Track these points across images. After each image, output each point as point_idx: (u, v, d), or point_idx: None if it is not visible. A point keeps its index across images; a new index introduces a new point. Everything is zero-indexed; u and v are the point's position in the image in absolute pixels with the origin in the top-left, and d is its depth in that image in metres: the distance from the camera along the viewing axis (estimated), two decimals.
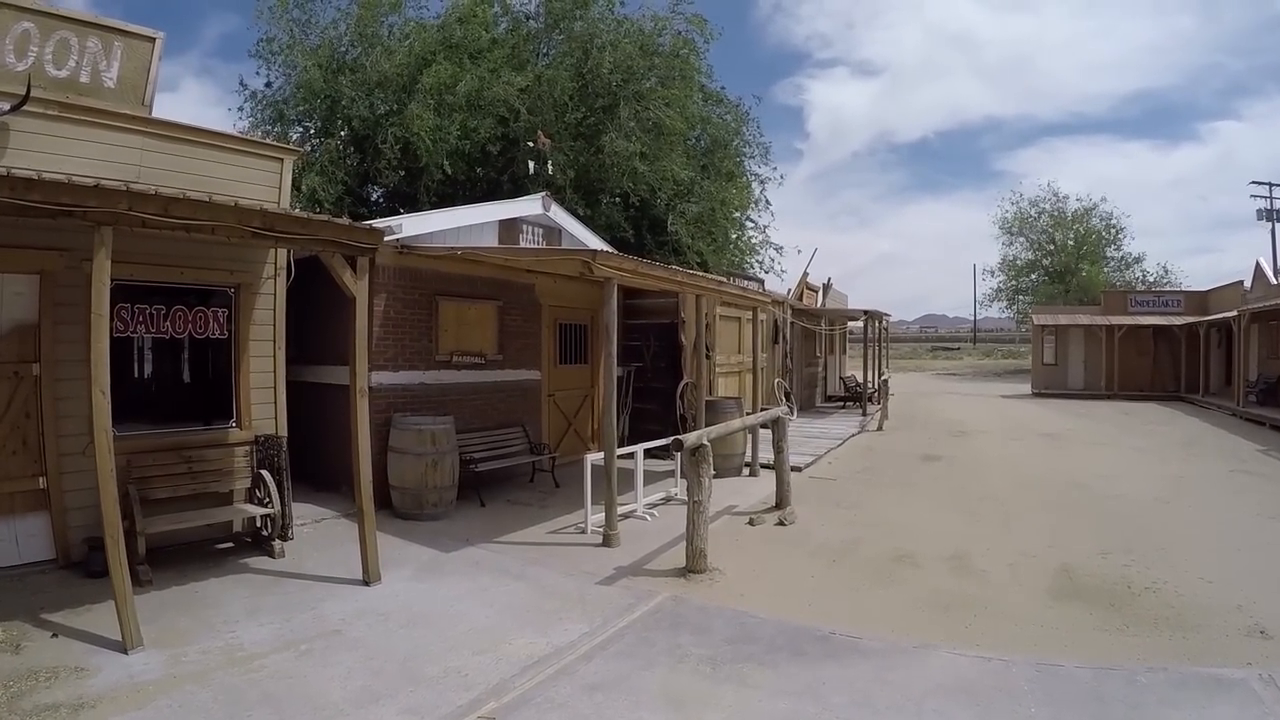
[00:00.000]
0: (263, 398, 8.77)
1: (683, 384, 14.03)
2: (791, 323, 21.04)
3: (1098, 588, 7.01)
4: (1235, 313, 25.32)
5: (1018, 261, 55.61)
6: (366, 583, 6.90)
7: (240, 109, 23.58)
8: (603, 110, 21.98)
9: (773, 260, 28.71)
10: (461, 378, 11.45)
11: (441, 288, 11.03)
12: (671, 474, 11.60)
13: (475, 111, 20.41)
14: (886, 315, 26.36)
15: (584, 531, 8.78)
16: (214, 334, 8.53)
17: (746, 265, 27.02)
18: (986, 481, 12.38)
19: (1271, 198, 43.82)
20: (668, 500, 10.64)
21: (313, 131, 23.63)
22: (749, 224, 27.52)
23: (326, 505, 9.80)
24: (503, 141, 21.52)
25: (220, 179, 8.09)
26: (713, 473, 7.64)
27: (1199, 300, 33.70)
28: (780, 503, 9.96)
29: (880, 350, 24.91)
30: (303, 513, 9.22)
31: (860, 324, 28.05)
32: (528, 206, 13.30)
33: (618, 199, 21.91)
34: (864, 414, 21.55)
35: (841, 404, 24.29)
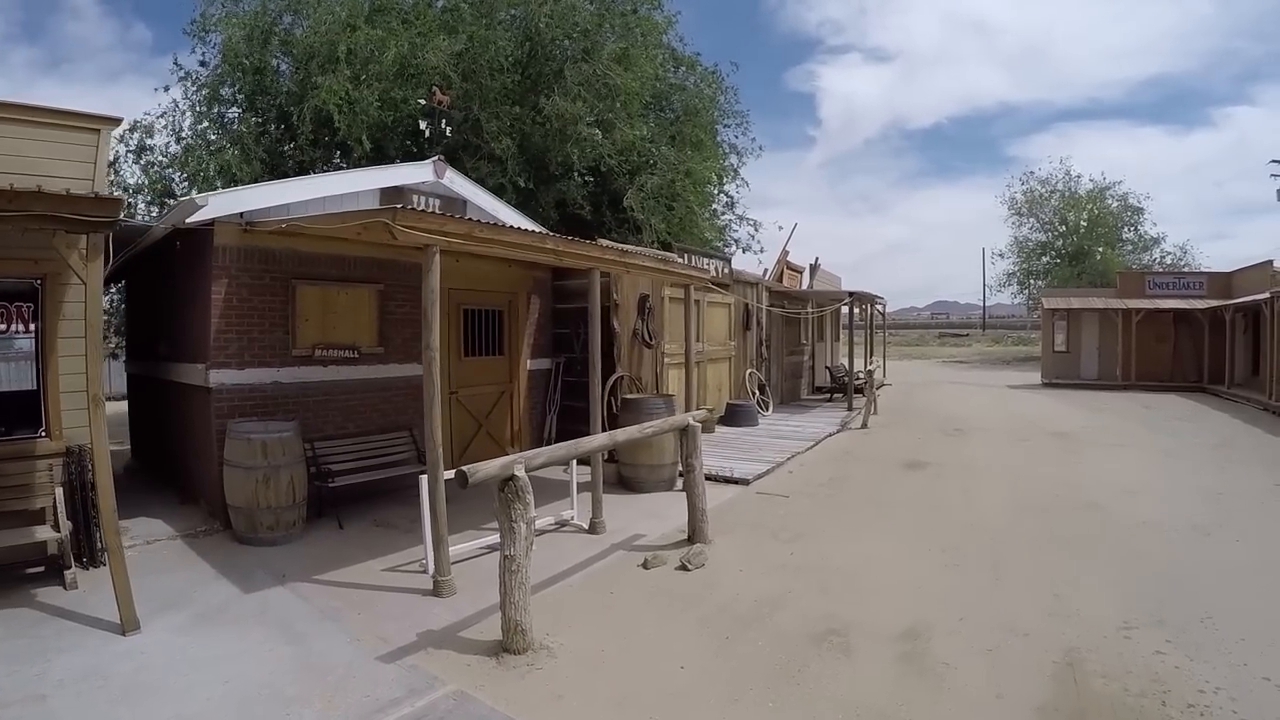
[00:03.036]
0: (76, 403, 7.27)
1: (614, 378, 11.78)
2: (769, 307, 18.71)
3: (1118, 701, 4.57)
4: (1267, 295, 22.85)
5: (1029, 243, 52.86)
6: (123, 631, 5.65)
7: (166, 88, 21.66)
8: (548, 73, 19.79)
9: (750, 236, 26.82)
10: (328, 375, 9.62)
11: (301, 270, 9.24)
12: (585, 486, 9.50)
13: (405, 81, 18.30)
14: (878, 298, 24.03)
15: (425, 570, 6.83)
16: (17, 332, 7.35)
17: (720, 243, 24.95)
18: (978, 501, 9.86)
19: None
20: (559, 526, 8.46)
21: (242, 107, 21.70)
22: (722, 197, 25.53)
23: (178, 521, 8.67)
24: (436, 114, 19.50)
25: (26, 157, 7.00)
26: (533, 515, 5.29)
27: (1223, 282, 30.91)
28: (692, 536, 7.60)
29: (871, 337, 22.61)
30: (146, 530, 8.30)
31: (859, 309, 25.92)
32: (416, 173, 11.36)
33: (575, 174, 19.77)
34: (849, 408, 19.09)
35: (828, 396, 21.82)
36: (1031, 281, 51.41)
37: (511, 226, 8.20)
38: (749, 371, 17.29)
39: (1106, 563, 7.22)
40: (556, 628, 5.55)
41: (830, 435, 15.24)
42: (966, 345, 71.55)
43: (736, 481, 10.59)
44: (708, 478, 10.46)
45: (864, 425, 16.78)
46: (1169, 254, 49.28)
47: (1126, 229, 50.58)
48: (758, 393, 17.55)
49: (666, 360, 13.40)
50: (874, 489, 10.56)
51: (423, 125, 15.91)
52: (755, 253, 29.08)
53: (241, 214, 8.60)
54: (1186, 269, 41.52)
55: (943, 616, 5.79)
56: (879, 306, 25.84)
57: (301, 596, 6.44)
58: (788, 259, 23.49)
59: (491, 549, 7.21)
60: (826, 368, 23.06)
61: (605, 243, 9.81)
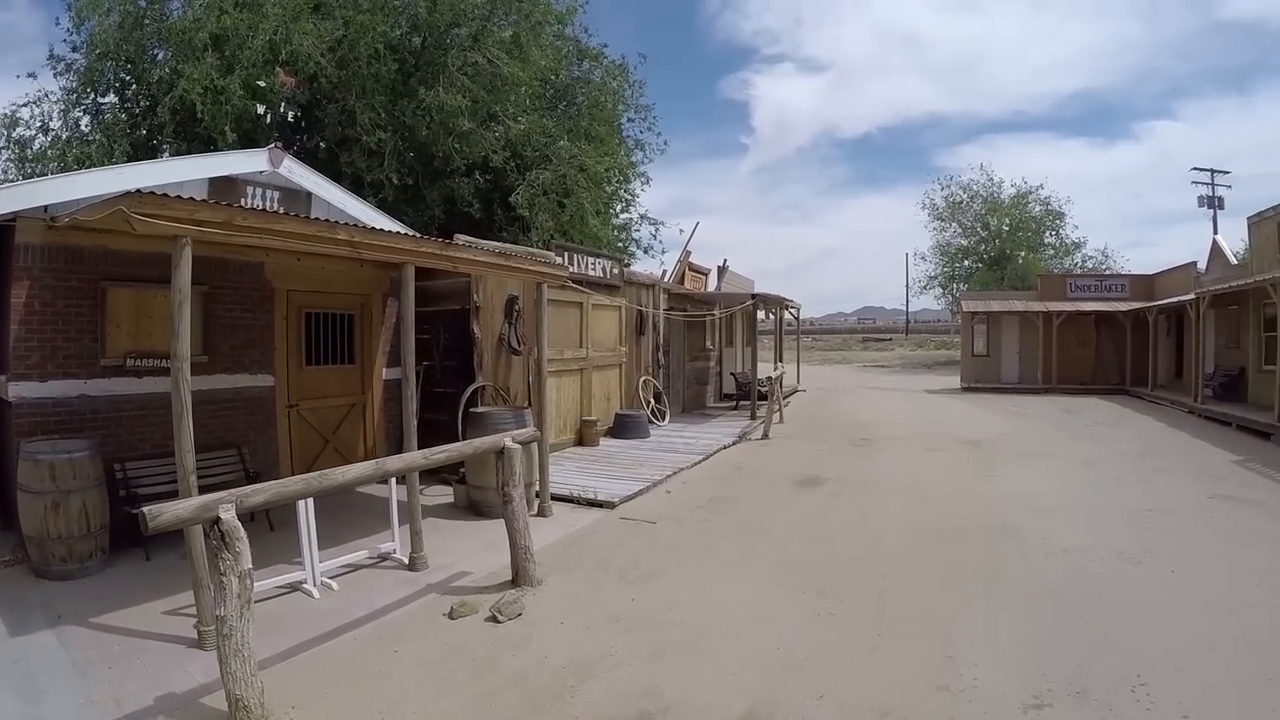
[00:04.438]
0: None
1: (473, 388, 10.60)
2: (667, 311, 17.65)
3: None
4: (1191, 296, 22.66)
5: (950, 248, 53.05)
6: None
7: (32, 75, 20.30)
8: (434, 62, 18.59)
9: (653, 237, 25.97)
10: (143, 387, 8.39)
11: (114, 270, 8.06)
12: (443, 507, 8.95)
13: (274, 69, 17.01)
14: (790, 302, 23.15)
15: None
16: None
17: (620, 243, 24.00)
18: (873, 526, 8.77)
19: (1214, 184, 43.70)
20: (378, 561, 7.22)
21: (111, 98, 20.25)
22: (624, 195, 24.57)
23: None
24: (308, 103, 18.25)
25: None
26: (247, 567, 4.16)
27: (1145, 285, 30.92)
28: (516, 578, 6.44)
29: (780, 342, 21.71)
30: None
31: (770, 313, 25.04)
32: (250, 162, 10.05)
33: (462, 170, 18.61)
34: (753, 417, 18.02)
35: (734, 405, 20.78)
36: (954, 285, 51.44)
37: (294, 215, 6.91)
38: (643, 379, 16.18)
39: (1017, 606, 6.15)
40: (310, 699, 4.52)
41: (725, 448, 14.15)
42: (889, 350, 71.99)
43: (601, 504, 9.40)
44: (567, 500, 9.46)
45: (765, 436, 15.79)
46: (1090, 258, 49.81)
47: (1048, 233, 50.94)
48: (653, 402, 16.44)
49: (542, 368, 12.30)
50: (757, 512, 9.43)
51: (260, 110, 14.57)
52: (657, 254, 28.24)
53: (46, 208, 7.44)
54: (1108, 272, 41.57)
55: (796, 694, 4.60)
56: (791, 310, 24.98)
57: (65, 643, 5.43)
58: (690, 260, 22.43)
59: (289, 588, 6.39)
60: (732, 374, 22.04)
61: (479, 241, 8.58)
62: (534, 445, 8.63)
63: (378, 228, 6.82)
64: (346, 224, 6.45)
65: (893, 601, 6.24)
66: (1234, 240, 27.61)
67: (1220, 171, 44.00)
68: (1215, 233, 37.58)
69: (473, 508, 9.08)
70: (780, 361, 20.60)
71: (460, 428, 9.80)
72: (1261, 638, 5.46)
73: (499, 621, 5.61)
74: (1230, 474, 12.22)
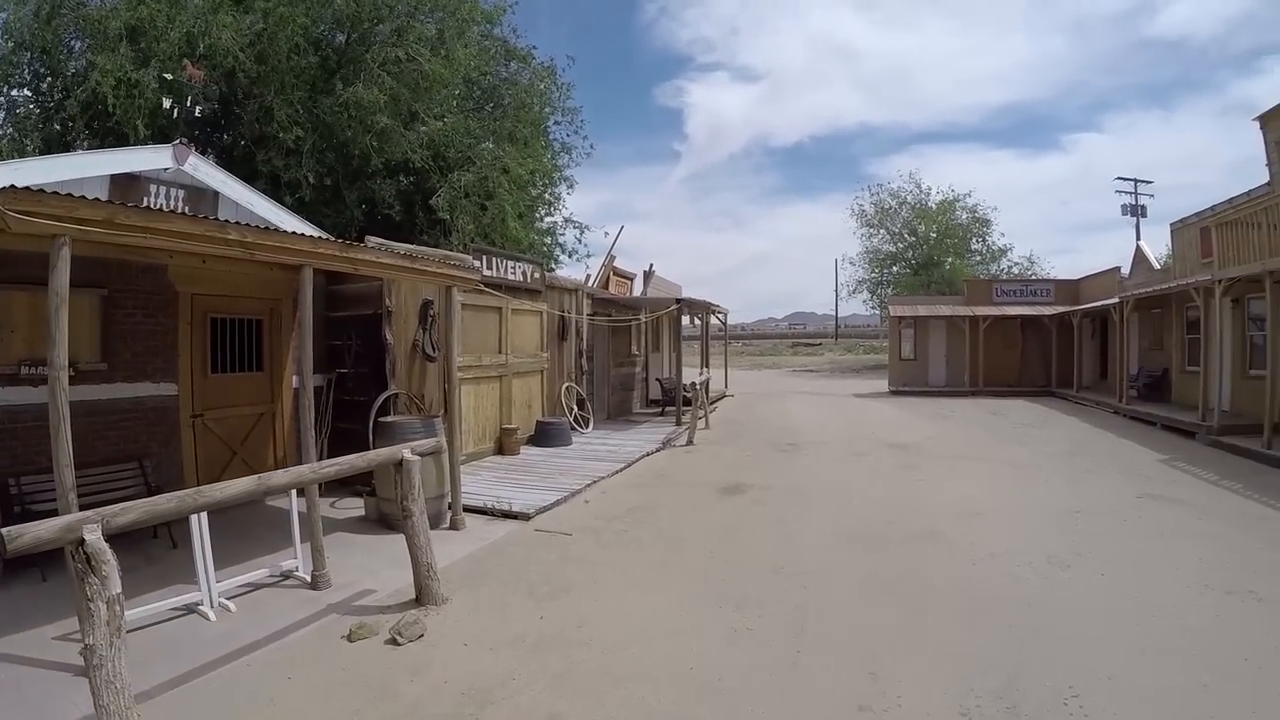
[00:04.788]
0: None
1: (384, 396, 10.29)
2: (591, 316, 17.43)
3: None
4: (1116, 300, 23.40)
5: (879, 253, 53.81)
6: None
7: None
8: (356, 57, 18.17)
9: (578, 240, 25.79)
10: (41, 396, 7.74)
11: (6, 272, 7.53)
12: (354, 520, 8.85)
13: (195, 62, 16.44)
14: (716, 306, 23.07)
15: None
16: None
17: (545, 246, 23.74)
18: (797, 535, 8.63)
19: (1137, 194, 45.21)
20: (280, 579, 6.89)
21: (26, 90, 19.55)
22: (549, 200, 24.34)
23: None
24: (228, 99, 17.73)
25: None
26: (116, 592, 3.82)
27: (1070, 289, 31.69)
28: (419, 597, 6.18)
29: (707, 347, 21.62)
30: None
31: (716, 318, 25.00)
32: (154, 158, 9.81)
33: (382, 170, 18.21)
34: (678, 423, 17.91)
35: (660, 410, 20.65)
36: (881, 290, 52.05)
37: (182, 214, 6.56)
38: (566, 385, 15.93)
39: (944, 616, 6.04)
40: None
41: (648, 455, 13.97)
42: (819, 354, 72.46)
43: (515, 516, 9.13)
44: (481, 512, 9.19)
45: (689, 442, 15.67)
46: (1016, 264, 50.88)
47: (975, 240, 51.98)
48: (576, 408, 16.20)
49: (457, 376, 11.96)
50: (676, 522, 9.24)
51: (167, 103, 14.08)
52: (582, 258, 27.91)
53: None
54: (1034, 277, 42.34)
55: (713, 715, 4.50)
56: (718, 315, 24.91)
57: None
58: (615, 265, 22.22)
59: (184, 610, 6.01)
60: (658, 380, 21.90)
61: (390, 243, 8.21)
62: (445, 455, 8.38)
63: (272, 227, 6.45)
64: (238, 223, 6.11)
65: (814, 615, 6.08)
66: (1157, 247, 28.34)
67: (1143, 181, 45.46)
68: (1139, 239, 38.56)
69: (383, 521, 8.77)
70: (706, 367, 20.42)
71: (371, 437, 9.48)
72: (1195, 642, 5.46)
73: (399, 644, 5.37)
74: (1158, 473, 12.40)
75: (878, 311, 57.14)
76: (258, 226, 6.28)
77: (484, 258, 12.99)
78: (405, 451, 6.25)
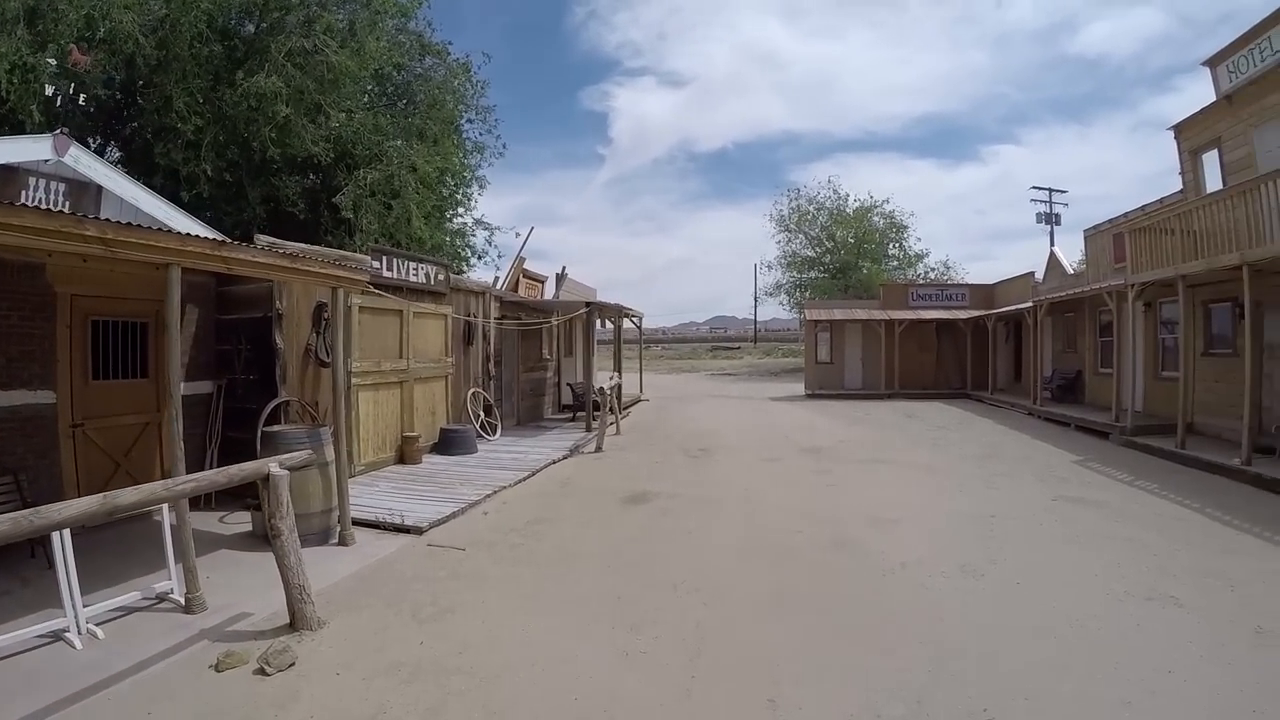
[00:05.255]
0: None
1: (274, 403, 9.91)
2: (499, 319, 17.11)
3: None
4: (1030, 304, 24.17)
5: (797, 257, 54.44)
6: None
7: None
8: (259, 49, 17.59)
9: (487, 243, 25.45)
10: None
11: None
12: (240, 536, 8.41)
13: (94, 47, 15.74)
14: (630, 310, 22.92)
15: None
16: None
17: (454, 248, 23.34)
18: (699, 546, 8.46)
19: (1051, 202, 47.01)
20: (154, 602, 6.49)
21: None
22: (460, 200, 23.95)
23: None
24: (130, 88, 17.06)
25: None
26: None
27: (985, 294, 32.57)
28: (293, 621, 5.87)
29: (619, 350, 21.44)
30: None
31: (631, 322, 24.84)
32: (32, 149, 9.26)
33: (285, 165, 17.68)
34: (588, 428, 17.72)
35: (572, 416, 20.45)
36: (799, 293, 52.54)
37: (34, 207, 6.07)
38: (472, 391, 15.60)
39: (851, 633, 5.89)
40: None
41: (554, 462, 13.77)
42: (738, 358, 72.71)
43: (408, 530, 8.81)
44: (373, 525, 8.86)
45: (598, 449, 15.49)
46: (933, 269, 52.13)
47: (892, 245, 52.89)
48: (483, 415, 15.90)
49: (355, 382, 11.59)
50: (576, 534, 9.02)
51: (50, 90, 13.44)
52: (493, 260, 27.53)
53: None
54: (950, 282, 43.13)
55: None
56: (633, 319, 24.77)
57: None
58: (525, 267, 21.90)
59: (50, 638, 5.63)
60: (568, 384, 21.66)
61: (282, 242, 7.68)
62: (331, 466, 8.07)
63: (134, 223, 6.04)
64: (97, 219, 5.74)
65: (713, 635, 5.87)
66: (1070, 253, 29.38)
67: (1058, 191, 47.15)
68: (1053, 245, 39.68)
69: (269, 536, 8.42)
70: (618, 371, 20.25)
71: (258, 447, 9.11)
72: (1115, 654, 5.40)
73: (267, 674, 5.08)
74: (1072, 475, 12.60)
75: (797, 315, 57.76)
76: (120, 222, 5.87)
77: (383, 258, 12.63)
78: (272, 465, 5.93)
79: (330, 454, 8.29)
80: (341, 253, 11.83)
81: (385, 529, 8.88)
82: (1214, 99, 16.99)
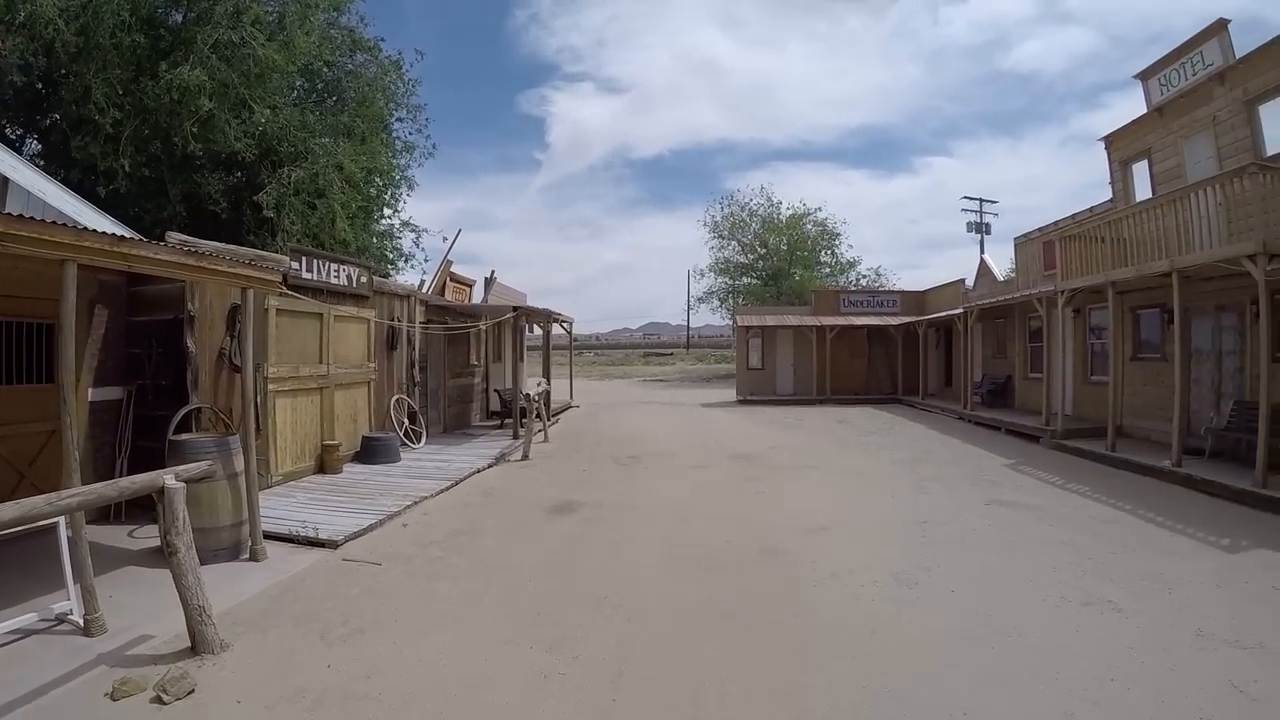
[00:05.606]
0: None
1: (185, 410, 9.52)
2: (425, 324, 16.80)
3: None
4: (960, 310, 24.67)
5: (730, 264, 54.96)
6: None
7: None
8: (186, 40, 17.05)
9: (415, 244, 25.12)
10: None
11: None
12: (150, 552, 7.90)
13: (12, 32, 15.16)
14: (559, 315, 22.69)
15: None
16: None
17: (381, 250, 22.93)
18: (625, 558, 8.30)
19: (982, 212, 48.73)
20: (53, 625, 6.13)
21: None
22: (387, 201, 23.56)
23: None
24: (50, 77, 16.47)
25: None
26: None
27: (916, 300, 33.30)
28: (194, 645, 5.59)
29: (549, 356, 21.22)
30: None
31: (561, 327, 24.59)
32: None
33: (215, 165, 17.21)
34: (516, 436, 17.49)
35: (500, 423, 20.18)
36: (732, 299, 52.86)
37: None
38: (396, 398, 15.27)
39: (782, 650, 5.73)
40: None
41: (479, 471, 13.53)
42: (670, 364, 72.95)
43: (322, 544, 8.52)
44: (287, 540, 8.57)
45: (525, 457, 15.30)
46: (864, 276, 53.35)
47: (824, 252, 54.01)
48: (407, 422, 15.57)
49: (272, 388, 11.23)
50: (498, 547, 8.81)
51: None
52: (419, 264, 27.10)
53: None
54: (881, 288, 43.79)
55: None
56: (563, 324, 24.56)
57: None
58: (453, 270, 21.48)
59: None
60: (496, 391, 21.35)
61: (198, 241, 7.24)
62: (241, 478, 7.79)
63: (20, 215, 5.71)
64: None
65: (636, 654, 5.68)
66: (1000, 262, 29.98)
67: (989, 201, 49.01)
68: (983, 253, 40.40)
69: None
70: (546, 377, 20.03)
71: (166, 457, 8.75)
72: (1056, 664, 5.37)
73: (164, 702, 4.83)
74: (1004, 478, 12.74)
75: (729, 322, 58.19)
76: (9, 214, 5.54)
77: (303, 259, 12.25)
78: (167, 478, 5.64)
79: (240, 464, 7.98)
80: (257, 252, 11.45)
81: (299, 543, 8.57)
82: (1145, 111, 17.63)
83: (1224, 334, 14.76)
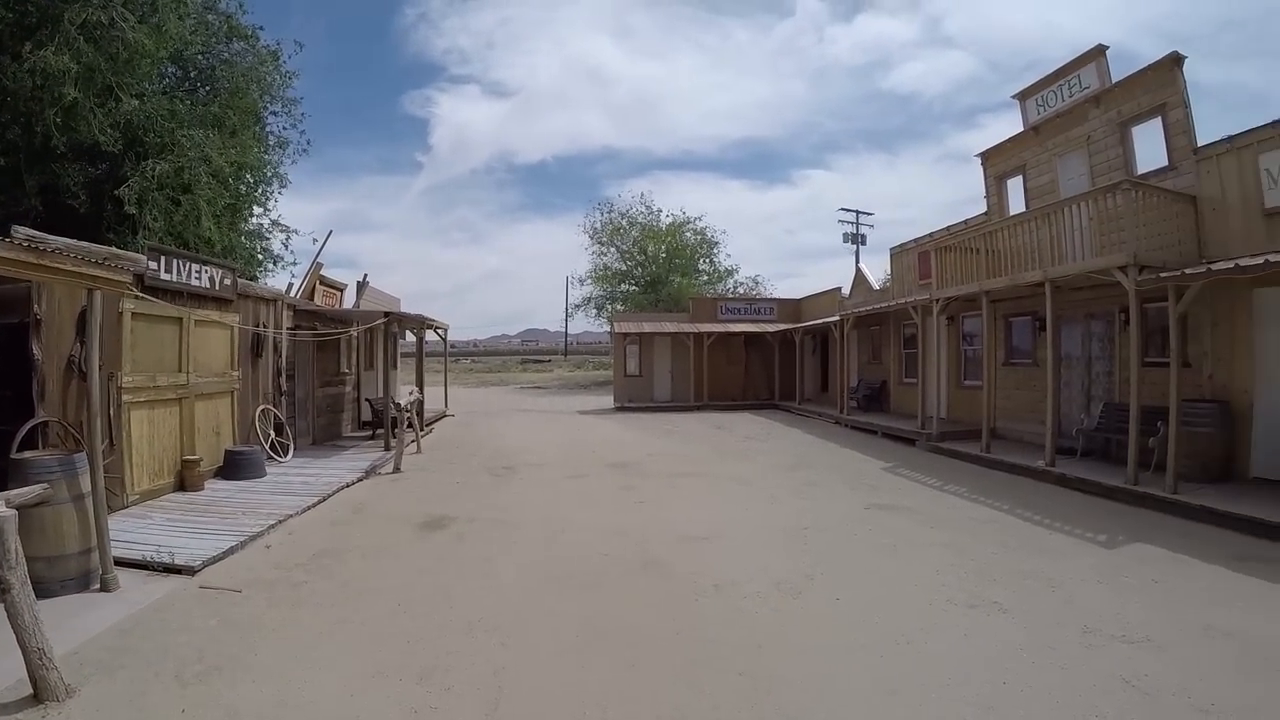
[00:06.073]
0: None
1: (30, 425, 8.83)
2: (293, 330, 16.19)
3: None
4: (837, 317, 25.26)
5: (609, 270, 54.94)
6: None
7: None
8: (53, 17, 15.96)
9: (285, 245, 24.19)
10: None
11: None
12: None
13: None
14: (433, 321, 22.23)
15: None
16: None
17: (249, 251, 22.02)
18: (499, 576, 8.04)
19: (858, 224, 50.70)
20: None
21: None
22: (258, 199, 22.65)
23: None
24: None
25: None
26: None
27: (793, 308, 33.93)
28: (36, 691, 5.04)
29: (421, 363, 20.73)
30: None
31: (436, 334, 24.12)
32: None
33: (77, 156, 16.23)
34: (387, 447, 17.00)
35: (372, 434, 19.54)
36: (609, 306, 52.94)
37: None
38: (262, 408, 14.60)
39: (663, 669, 5.57)
40: None
41: (348, 485, 13.08)
42: (549, 371, 72.97)
43: (179, 570, 7.96)
44: (139, 566, 7.98)
45: (396, 469, 14.89)
46: (742, 284, 54.23)
47: (703, 260, 54.60)
48: (273, 434, 14.90)
49: (127, 399, 10.56)
50: (367, 568, 8.43)
51: None
52: (288, 266, 25.93)
53: None
54: (758, 296, 44.43)
55: None
56: (438, 330, 24.10)
57: None
58: (323, 274, 20.66)
59: None
60: (367, 400, 20.74)
61: (46, 237, 6.54)
62: (89, 499, 7.24)
63: None
64: None
65: (512, 682, 5.41)
66: (876, 271, 31.29)
67: (865, 213, 50.87)
68: (859, 263, 41.61)
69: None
70: (419, 385, 19.58)
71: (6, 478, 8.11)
72: (947, 670, 5.37)
73: None
74: (883, 482, 13.00)
75: (608, 329, 58.30)
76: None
77: (162, 259, 11.53)
78: (31, 494, 5.15)
79: (87, 484, 7.40)
80: (112, 250, 10.71)
81: (155, 569, 7.99)
82: (1021, 130, 18.41)
83: (1093, 340, 15.69)
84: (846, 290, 29.30)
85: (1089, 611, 6.59)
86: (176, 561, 8.09)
